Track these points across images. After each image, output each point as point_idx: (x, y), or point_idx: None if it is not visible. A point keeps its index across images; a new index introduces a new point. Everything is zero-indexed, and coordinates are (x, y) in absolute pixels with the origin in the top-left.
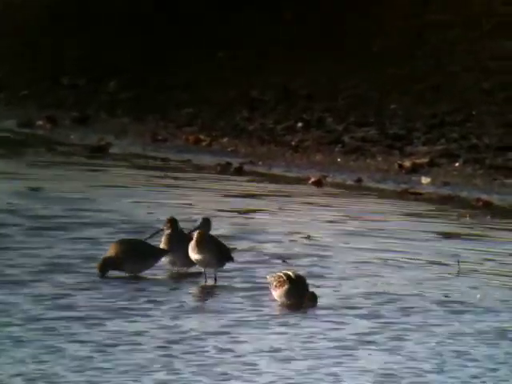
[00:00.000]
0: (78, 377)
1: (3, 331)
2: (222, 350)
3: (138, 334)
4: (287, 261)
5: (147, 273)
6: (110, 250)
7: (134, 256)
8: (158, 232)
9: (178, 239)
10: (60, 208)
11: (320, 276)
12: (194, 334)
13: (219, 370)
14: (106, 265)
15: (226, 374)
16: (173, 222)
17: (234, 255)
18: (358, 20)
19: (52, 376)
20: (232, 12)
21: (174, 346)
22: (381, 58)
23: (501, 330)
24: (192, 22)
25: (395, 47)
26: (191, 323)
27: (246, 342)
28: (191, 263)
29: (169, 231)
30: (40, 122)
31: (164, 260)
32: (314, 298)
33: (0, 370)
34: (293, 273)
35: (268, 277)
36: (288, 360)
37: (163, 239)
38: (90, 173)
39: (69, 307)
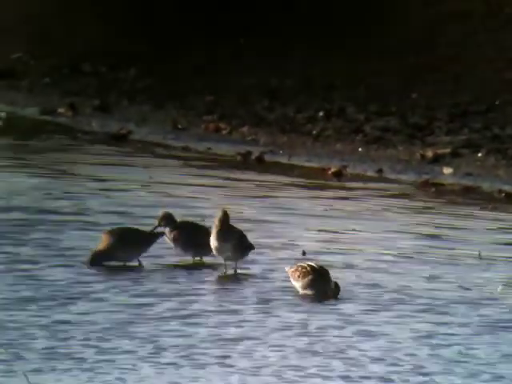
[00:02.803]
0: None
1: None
2: (240, 340)
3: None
4: (306, 253)
5: (168, 263)
6: (100, 244)
7: (122, 245)
8: (156, 228)
9: (183, 230)
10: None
11: (341, 268)
12: (210, 324)
13: (236, 360)
14: (97, 259)
15: (244, 365)
16: (167, 217)
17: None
18: (378, 8)
19: None
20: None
21: (187, 339)
22: (402, 46)
23: None
24: (212, 9)
25: (416, 35)
26: (203, 314)
27: (266, 332)
28: (204, 252)
29: (168, 227)
30: (61, 110)
31: (178, 250)
32: (336, 288)
33: None
34: (316, 264)
35: (287, 268)
36: (307, 350)
37: (168, 234)
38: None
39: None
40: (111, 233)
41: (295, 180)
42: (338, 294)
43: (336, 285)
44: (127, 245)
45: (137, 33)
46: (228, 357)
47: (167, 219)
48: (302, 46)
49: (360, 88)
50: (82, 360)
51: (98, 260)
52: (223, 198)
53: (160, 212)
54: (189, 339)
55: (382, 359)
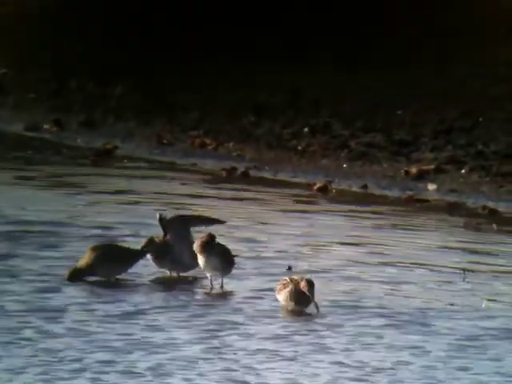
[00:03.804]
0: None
1: None
2: (224, 353)
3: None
4: (292, 267)
5: (153, 278)
6: (82, 260)
7: (104, 262)
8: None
9: (166, 245)
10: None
11: (324, 282)
12: (195, 336)
13: (220, 372)
14: (77, 274)
15: (229, 375)
16: (152, 242)
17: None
18: (364, 24)
19: None
20: (236, 15)
21: (174, 352)
22: (387, 62)
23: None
24: (197, 25)
25: (402, 52)
26: (192, 328)
27: (247, 345)
28: (187, 268)
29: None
30: (47, 126)
31: (159, 265)
32: (310, 283)
33: None
34: (299, 277)
35: (276, 284)
36: (289, 362)
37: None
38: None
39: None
40: (94, 249)
41: (281, 195)
42: (318, 306)
43: (309, 281)
44: (108, 261)
45: (123, 49)
46: (218, 369)
47: (152, 244)
48: (288, 60)
49: (345, 104)
50: (76, 371)
51: (77, 276)
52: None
53: (145, 238)
54: (180, 352)
55: (379, 369)
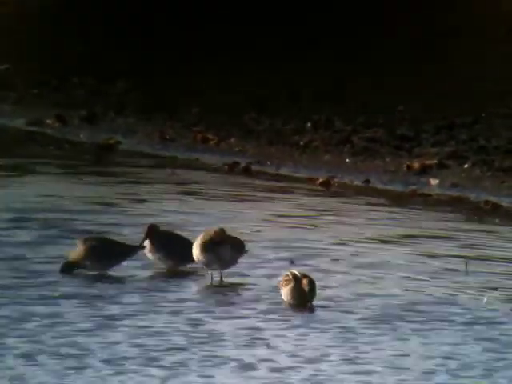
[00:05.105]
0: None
1: None
2: (226, 350)
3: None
4: (294, 261)
5: (149, 272)
6: (73, 253)
7: (94, 255)
8: (145, 239)
9: (164, 239)
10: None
11: (327, 277)
12: (197, 332)
13: (219, 368)
14: (69, 267)
15: (227, 372)
16: (152, 229)
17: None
18: (364, 24)
19: None
20: (236, 15)
21: (178, 346)
22: (387, 62)
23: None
24: (197, 25)
25: (402, 52)
26: (193, 323)
27: (248, 341)
28: (183, 262)
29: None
30: (49, 121)
31: (155, 258)
32: (311, 293)
33: None
34: (299, 272)
35: (280, 277)
36: (287, 360)
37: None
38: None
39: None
40: (85, 241)
41: (283, 189)
42: (313, 299)
43: (311, 290)
44: (96, 255)
45: (123, 49)
46: (221, 360)
47: (154, 231)
48: (288, 60)
49: (346, 101)
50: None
51: (68, 269)
52: (213, 208)
53: (146, 225)
54: (182, 345)
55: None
